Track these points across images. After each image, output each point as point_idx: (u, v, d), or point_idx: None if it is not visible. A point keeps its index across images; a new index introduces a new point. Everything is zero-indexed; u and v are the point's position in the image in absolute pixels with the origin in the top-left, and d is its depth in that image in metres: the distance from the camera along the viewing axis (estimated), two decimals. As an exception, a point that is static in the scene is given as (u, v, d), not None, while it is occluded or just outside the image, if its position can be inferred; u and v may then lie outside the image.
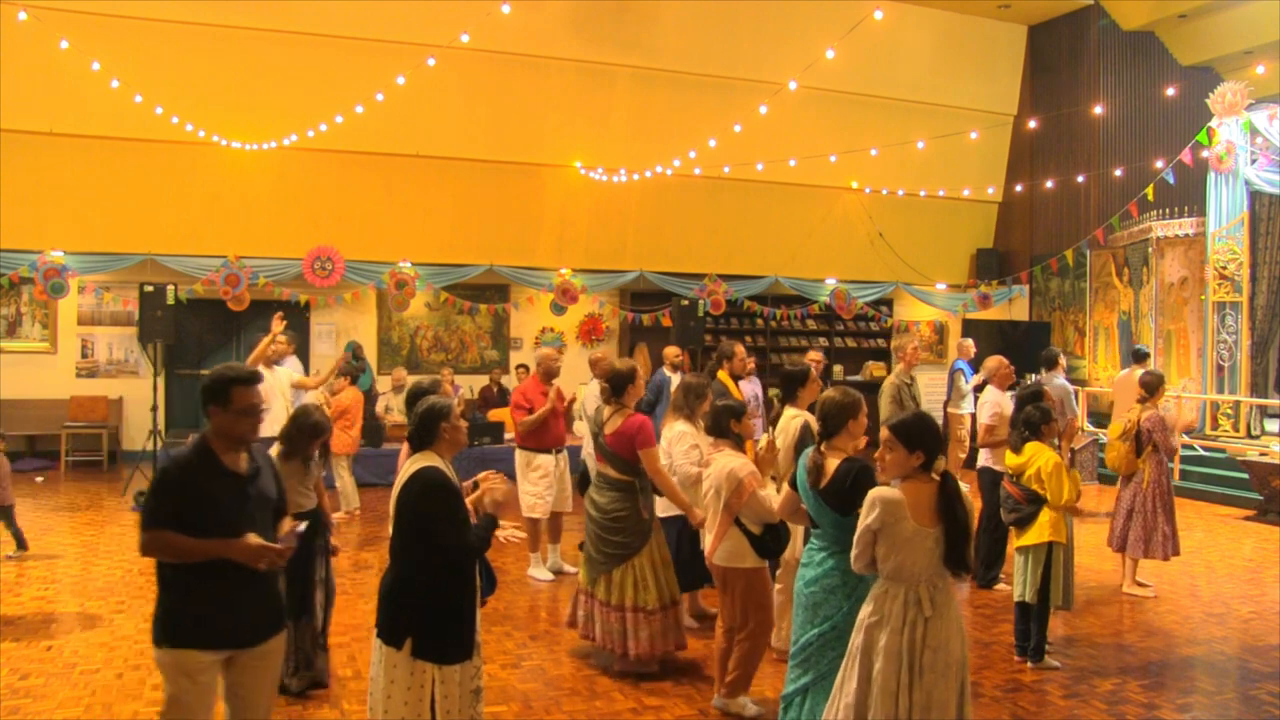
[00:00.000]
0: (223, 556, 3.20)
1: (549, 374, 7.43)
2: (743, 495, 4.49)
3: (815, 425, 4.23)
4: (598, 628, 5.38)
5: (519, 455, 7.41)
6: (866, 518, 3.47)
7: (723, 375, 7.80)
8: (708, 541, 4.72)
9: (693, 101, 13.06)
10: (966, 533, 3.43)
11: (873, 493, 3.50)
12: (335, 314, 13.16)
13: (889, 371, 13.93)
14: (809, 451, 4.10)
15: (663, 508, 6.03)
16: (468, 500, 3.69)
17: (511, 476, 5.64)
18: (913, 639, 3.40)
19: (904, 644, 3.40)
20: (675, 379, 8.92)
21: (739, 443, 4.77)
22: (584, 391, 8.42)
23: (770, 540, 4.59)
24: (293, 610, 4.91)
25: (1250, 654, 5.94)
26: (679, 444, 5.73)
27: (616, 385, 5.52)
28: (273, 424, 8.03)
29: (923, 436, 3.48)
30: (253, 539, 3.23)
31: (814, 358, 8.72)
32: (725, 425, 4.77)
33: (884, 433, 3.55)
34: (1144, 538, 7.08)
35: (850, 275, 15.03)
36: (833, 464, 3.94)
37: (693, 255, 14.11)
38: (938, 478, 3.48)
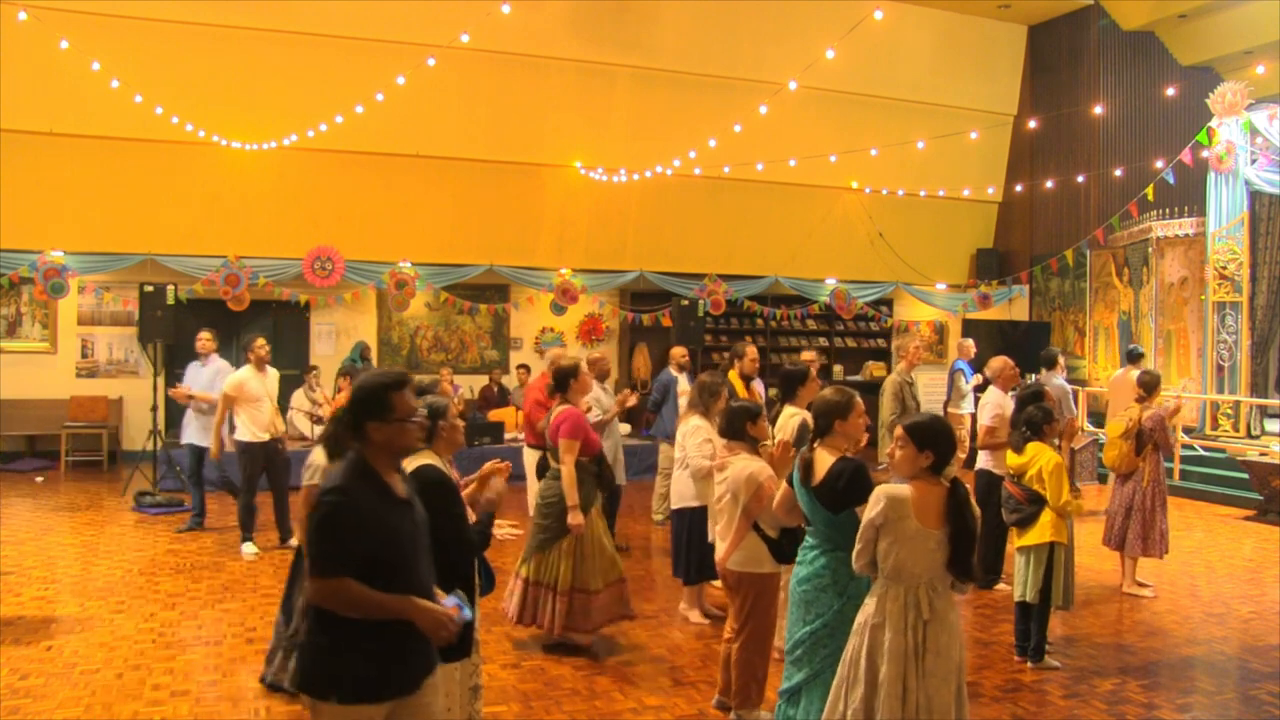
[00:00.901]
0: (406, 618, 2.77)
1: None
2: (763, 499, 4.40)
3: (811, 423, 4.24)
4: (515, 601, 5.65)
5: (530, 455, 7.42)
6: (870, 512, 3.49)
7: (732, 375, 7.82)
8: (721, 547, 4.64)
9: (693, 101, 13.06)
10: (972, 540, 3.43)
11: (879, 488, 3.53)
12: (335, 314, 13.16)
13: (889, 371, 13.93)
14: (803, 449, 4.11)
15: (676, 499, 6.11)
16: (464, 494, 3.70)
17: (517, 476, 5.66)
18: (915, 641, 3.41)
19: (908, 646, 3.41)
20: (681, 379, 9.01)
21: (754, 446, 4.70)
22: (583, 391, 8.42)
23: (788, 544, 4.50)
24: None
25: (1250, 654, 5.94)
26: (693, 437, 5.86)
27: (559, 380, 5.83)
28: (264, 428, 8.05)
29: (935, 438, 3.50)
30: (438, 610, 2.84)
31: (809, 357, 8.76)
32: (740, 427, 4.67)
33: (898, 431, 3.58)
34: (1142, 535, 7.08)
35: (850, 275, 15.03)
36: (825, 462, 3.94)
37: (693, 255, 14.11)
38: (947, 483, 3.48)
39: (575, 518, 5.48)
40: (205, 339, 8.85)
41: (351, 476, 2.81)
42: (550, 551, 5.57)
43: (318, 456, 4.96)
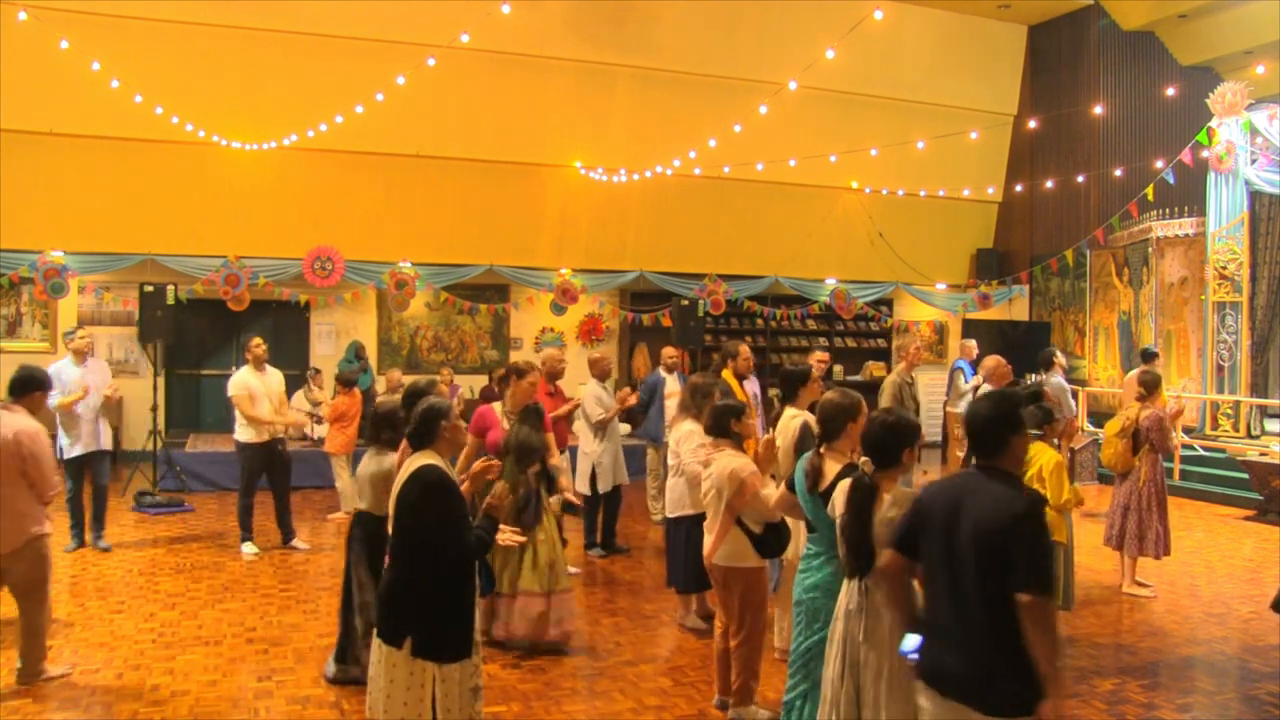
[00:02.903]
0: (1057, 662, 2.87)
1: (553, 374, 7.45)
2: (745, 495, 4.47)
3: (815, 425, 4.23)
4: None
5: None
6: None
7: (726, 374, 7.80)
8: (708, 542, 4.70)
9: (693, 101, 13.05)
10: (853, 533, 3.46)
11: None
12: (335, 314, 13.16)
13: (889, 371, 13.93)
14: (808, 455, 4.09)
15: (673, 506, 6.07)
16: (463, 487, 3.70)
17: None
18: (847, 629, 3.48)
19: (842, 632, 3.49)
20: (670, 380, 8.92)
21: (739, 442, 4.75)
22: (583, 391, 8.42)
23: (772, 539, 4.58)
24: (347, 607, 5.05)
25: (1250, 654, 5.94)
26: (687, 443, 5.78)
27: (504, 375, 5.91)
28: (264, 428, 7.96)
29: (871, 435, 3.62)
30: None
31: (819, 358, 8.73)
32: (725, 425, 4.73)
33: None
34: (1139, 535, 7.08)
35: (850, 275, 15.03)
36: (833, 468, 3.93)
37: (693, 255, 14.11)
38: (865, 474, 3.55)
39: None
40: (85, 338, 8.03)
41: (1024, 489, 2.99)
42: None
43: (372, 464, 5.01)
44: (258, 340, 8.23)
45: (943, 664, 2.96)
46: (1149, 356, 9.77)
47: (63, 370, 7.68)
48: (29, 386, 5.20)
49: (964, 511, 2.93)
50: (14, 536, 4.92)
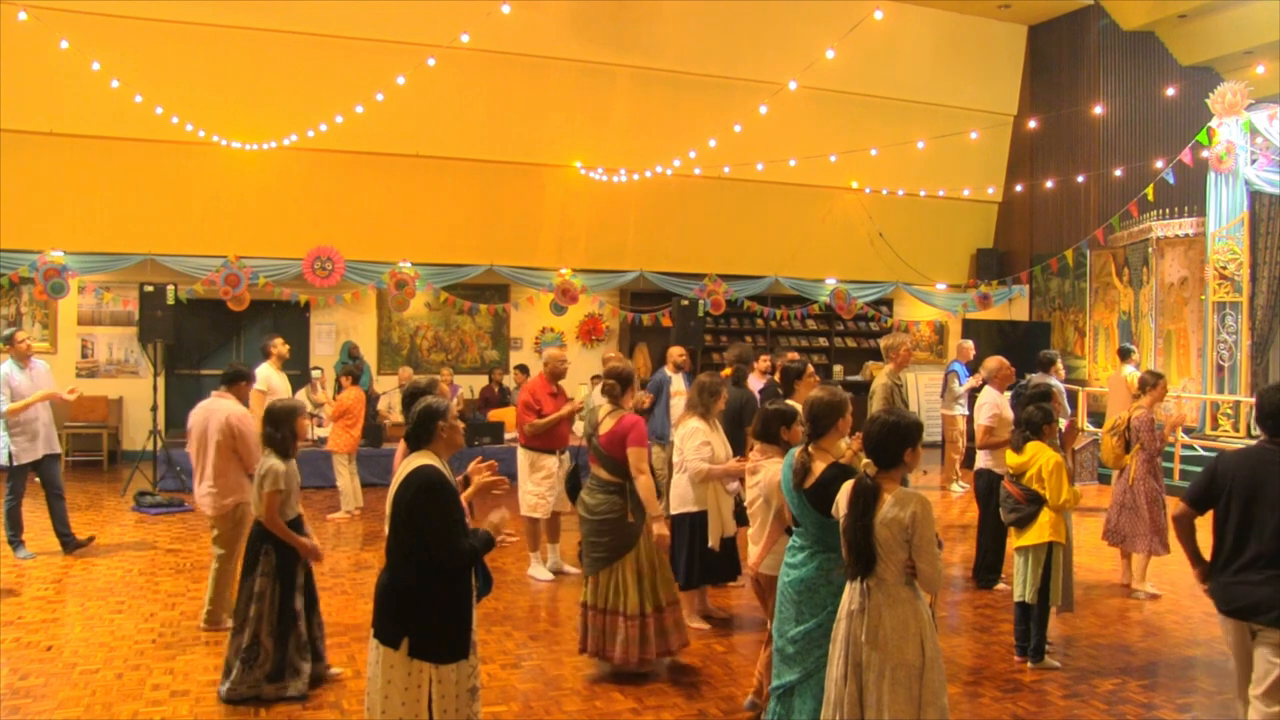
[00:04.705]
0: None
1: (555, 374, 7.42)
2: None
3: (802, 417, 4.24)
4: (590, 633, 5.29)
5: (523, 455, 7.40)
6: None
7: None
8: (753, 551, 4.60)
9: (693, 101, 13.06)
10: (854, 535, 3.46)
11: None
12: (335, 314, 13.17)
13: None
14: (795, 451, 4.09)
15: (676, 503, 6.05)
16: (462, 496, 3.68)
17: (511, 476, 5.62)
18: (849, 630, 3.49)
19: (845, 633, 3.50)
20: (676, 379, 8.90)
21: (787, 450, 4.68)
22: (583, 392, 8.41)
23: None
24: (280, 621, 4.90)
25: (1250, 654, 5.93)
26: (691, 440, 5.78)
27: (625, 384, 5.45)
28: None
29: (873, 436, 3.59)
30: None
31: (793, 357, 8.83)
32: (775, 432, 4.64)
33: None
34: (1132, 533, 7.08)
35: (850, 275, 15.04)
36: (819, 466, 3.93)
37: (693, 255, 14.12)
38: (867, 474, 3.54)
39: (662, 528, 5.21)
40: (25, 340, 7.64)
41: None
42: (612, 573, 5.19)
43: (270, 460, 4.98)
44: (281, 339, 8.36)
45: (1255, 598, 3.71)
46: (1125, 354, 9.98)
47: (12, 374, 7.40)
48: (239, 379, 6.16)
49: (1268, 478, 3.76)
50: (226, 500, 5.93)
